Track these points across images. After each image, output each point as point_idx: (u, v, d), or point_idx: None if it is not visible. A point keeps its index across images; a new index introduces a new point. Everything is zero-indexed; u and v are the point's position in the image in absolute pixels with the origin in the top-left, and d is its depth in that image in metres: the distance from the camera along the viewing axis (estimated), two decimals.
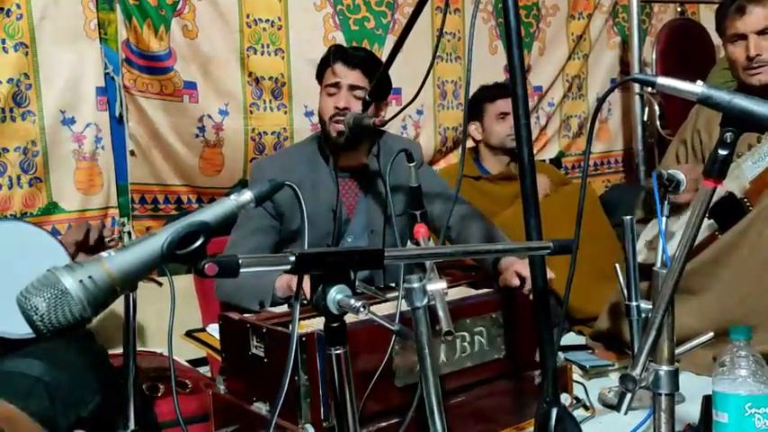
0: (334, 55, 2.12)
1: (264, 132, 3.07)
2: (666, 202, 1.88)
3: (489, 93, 3.08)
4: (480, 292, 1.88)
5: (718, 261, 2.12)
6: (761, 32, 2.26)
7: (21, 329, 1.13)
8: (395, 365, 1.56)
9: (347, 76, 2.09)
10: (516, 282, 1.82)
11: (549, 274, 1.67)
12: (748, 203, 2.19)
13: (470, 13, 3.51)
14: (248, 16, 2.99)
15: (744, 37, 2.28)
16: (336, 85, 2.10)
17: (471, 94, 3.04)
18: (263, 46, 3.03)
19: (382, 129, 2.13)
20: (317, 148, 2.19)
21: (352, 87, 2.09)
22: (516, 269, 1.83)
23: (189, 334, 2.06)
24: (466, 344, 1.69)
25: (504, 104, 3.02)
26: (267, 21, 3.04)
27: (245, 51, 2.99)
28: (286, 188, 1.19)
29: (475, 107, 3.08)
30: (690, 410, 1.67)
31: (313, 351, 1.47)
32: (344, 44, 3.08)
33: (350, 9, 3.24)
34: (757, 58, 2.26)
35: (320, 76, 2.18)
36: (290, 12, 3.09)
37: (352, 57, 2.12)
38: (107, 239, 2.08)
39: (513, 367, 1.77)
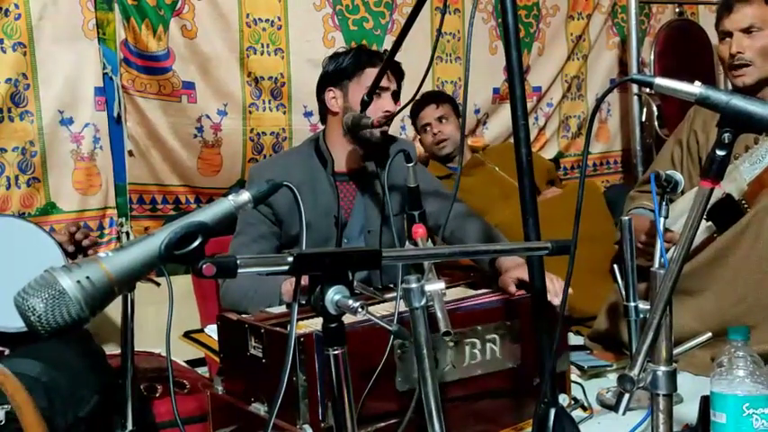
0: (388, 61, 2.07)
1: (263, 133, 3.07)
2: (665, 204, 1.88)
3: (416, 105, 3.16)
4: (480, 291, 1.87)
5: (716, 262, 2.12)
6: (745, 30, 2.25)
7: (15, 323, 1.13)
8: (396, 369, 1.55)
9: (393, 83, 2.13)
10: (513, 289, 1.81)
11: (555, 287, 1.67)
12: (746, 205, 2.19)
13: (470, 13, 3.51)
14: (248, 16, 2.99)
15: (731, 35, 2.28)
16: (387, 89, 2.11)
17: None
18: (262, 46, 3.03)
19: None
20: (314, 152, 2.18)
21: (395, 94, 2.14)
22: (517, 275, 1.81)
23: (187, 335, 2.06)
24: (476, 351, 1.67)
25: (425, 115, 3.16)
26: (267, 20, 3.04)
27: (244, 51, 2.99)
28: (284, 193, 1.19)
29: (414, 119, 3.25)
30: (688, 411, 1.67)
31: (311, 351, 1.47)
32: (343, 44, 3.09)
33: (349, 9, 3.24)
34: (738, 56, 2.25)
35: (358, 71, 2.12)
36: (290, 12, 3.09)
37: (396, 65, 2.14)
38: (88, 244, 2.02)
39: (524, 376, 1.74)
